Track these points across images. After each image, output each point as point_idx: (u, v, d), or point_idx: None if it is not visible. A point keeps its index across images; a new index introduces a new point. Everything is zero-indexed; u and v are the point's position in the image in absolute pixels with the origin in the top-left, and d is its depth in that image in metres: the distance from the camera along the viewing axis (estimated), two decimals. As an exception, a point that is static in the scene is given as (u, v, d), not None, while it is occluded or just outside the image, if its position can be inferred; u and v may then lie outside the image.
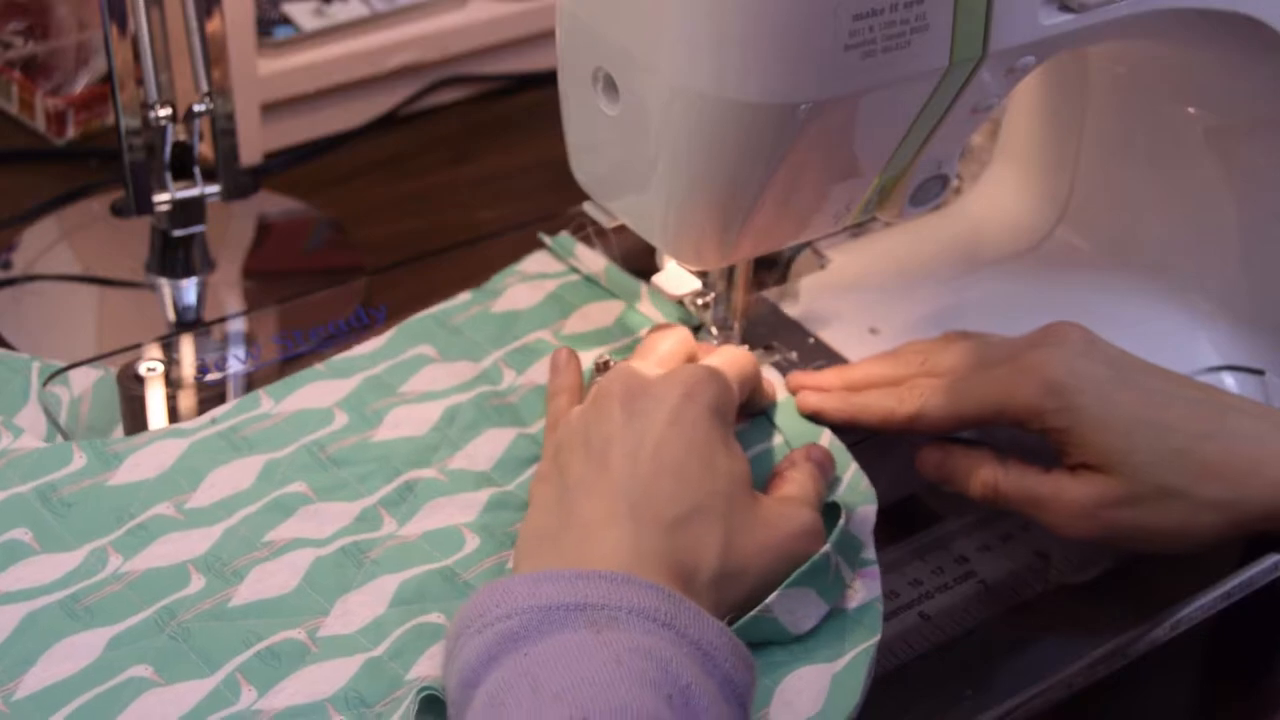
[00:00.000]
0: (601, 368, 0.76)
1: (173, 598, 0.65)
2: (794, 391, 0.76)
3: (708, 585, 0.62)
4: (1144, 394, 0.69)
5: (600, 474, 0.64)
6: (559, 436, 0.68)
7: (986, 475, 0.70)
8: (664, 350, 0.73)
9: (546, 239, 0.87)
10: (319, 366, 0.78)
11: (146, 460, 0.71)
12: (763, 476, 0.72)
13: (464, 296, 0.83)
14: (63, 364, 0.78)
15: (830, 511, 0.69)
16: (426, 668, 0.63)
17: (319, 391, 0.76)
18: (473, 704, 0.55)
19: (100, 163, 1.05)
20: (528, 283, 0.84)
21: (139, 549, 0.67)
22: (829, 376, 0.76)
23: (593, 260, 0.85)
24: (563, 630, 0.56)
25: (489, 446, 0.74)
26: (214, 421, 0.74)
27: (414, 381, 0.78)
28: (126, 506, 0.69)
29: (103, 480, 0.70)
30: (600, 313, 0.83)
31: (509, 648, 0.56)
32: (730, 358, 0.72)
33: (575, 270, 0.85)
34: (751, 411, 0.75)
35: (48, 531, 0.67)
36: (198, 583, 0.66)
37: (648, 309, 0.82)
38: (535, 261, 0.86)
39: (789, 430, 0.75)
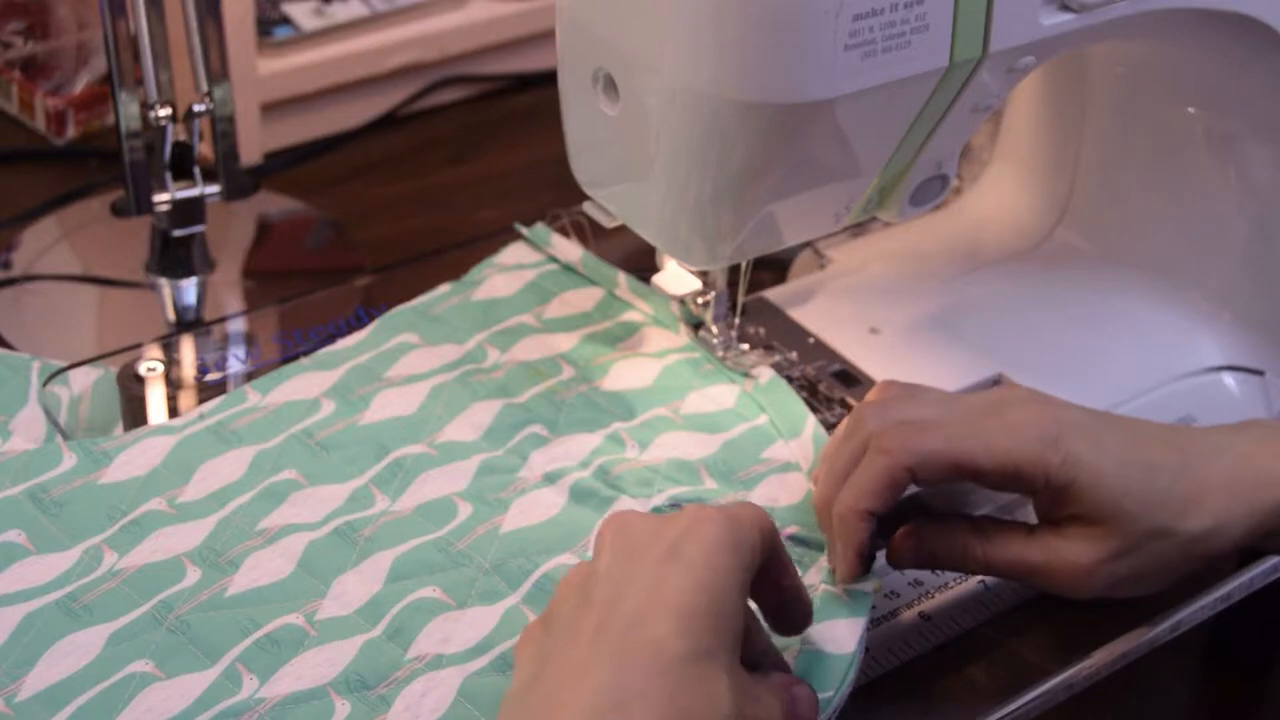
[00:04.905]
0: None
1: (169, 591, 0.65)
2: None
3: None
4: (1122, 435, 0.66)
5: (583, 614, 0.54)
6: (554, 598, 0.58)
7: (972, 550, 0.67)
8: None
9: (523, 229, 0.88)
10: (304, 360, 0.78)
11: (136, 458, 0.71)
12: (747, 458, 0.73)
13: (443, 288, 0.84)
14: (63, 364, 0.78)
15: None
16: (425, 646, 0.64)
17: (305, 383, 0.77)
18: None
19: (100, 163, 1.05)
20: (506, 273, 0.85)
21: (133, 545, 0.67)
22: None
23: (569, 249, 0.86)
24: None
25: (477, 418, 0.75)
26: (201, 417, 0.74)
27: (399, 366, 0.78)
28: (118, 504, 0.69)
29: (94, 479, 0.70)
30: (580, 298, 0.84)
31: None
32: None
33: (553, 260, 0.86)
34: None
35: (41, 532, 0.67)
36: (193, 575, 0.66)
37: (626, 294, 0.83)
38: (512, 253, 0.87)
39: (775, 411, 0.76)
